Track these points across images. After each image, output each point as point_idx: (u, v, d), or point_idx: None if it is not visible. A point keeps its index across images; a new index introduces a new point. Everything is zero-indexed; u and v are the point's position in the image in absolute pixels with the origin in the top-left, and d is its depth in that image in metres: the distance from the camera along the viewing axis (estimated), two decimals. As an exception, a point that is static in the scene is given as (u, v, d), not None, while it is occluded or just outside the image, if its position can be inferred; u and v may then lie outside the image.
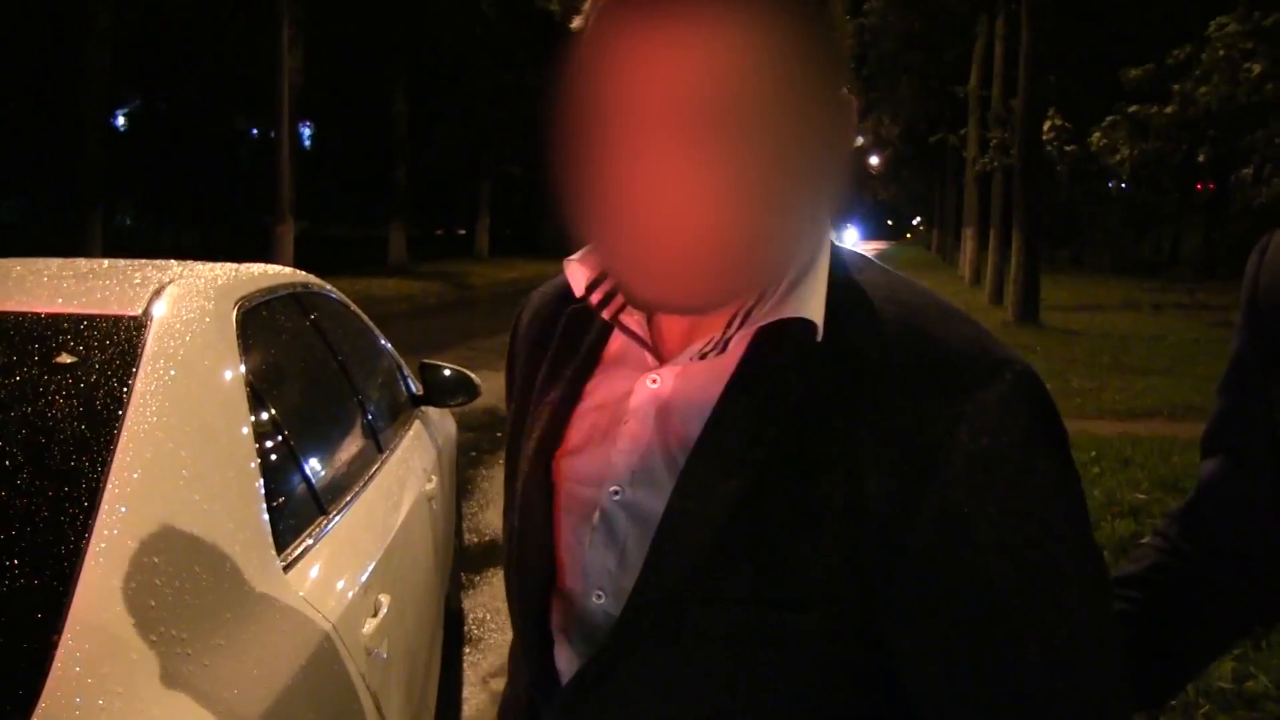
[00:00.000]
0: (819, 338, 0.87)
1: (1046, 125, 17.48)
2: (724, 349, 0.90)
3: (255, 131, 33.98)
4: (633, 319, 0.96)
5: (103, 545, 1.43)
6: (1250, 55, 15.60)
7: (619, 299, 0.96)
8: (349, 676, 1.82)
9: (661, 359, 0.95)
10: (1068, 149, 18.43)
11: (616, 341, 1.01)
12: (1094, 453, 7.40)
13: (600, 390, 0.99)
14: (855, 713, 0.88)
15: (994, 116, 21.97)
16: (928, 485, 0.81)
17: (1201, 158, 17.91)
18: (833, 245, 0.93)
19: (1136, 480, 6.65)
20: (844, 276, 0.91)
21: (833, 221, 0.92)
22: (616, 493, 0.94)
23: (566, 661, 0.97)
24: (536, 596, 0.99)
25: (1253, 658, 3.99)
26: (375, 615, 2.05)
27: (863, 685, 0.87)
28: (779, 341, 0.88)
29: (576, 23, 0.85)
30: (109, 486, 1.52)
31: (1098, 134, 18.08)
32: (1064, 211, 30.14)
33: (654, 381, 0.93)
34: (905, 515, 0.81)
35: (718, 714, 0.87)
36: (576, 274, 0.97)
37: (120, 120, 31.33)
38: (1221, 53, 15.77)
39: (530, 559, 1.00)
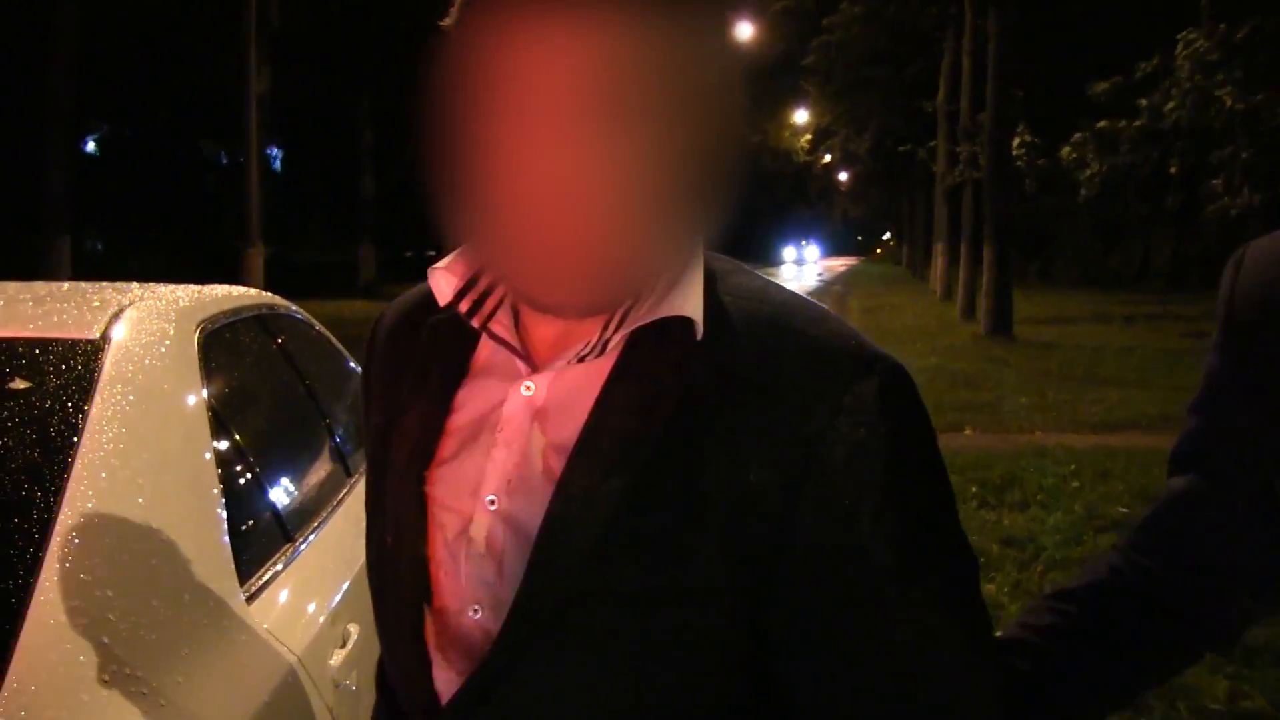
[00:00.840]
0: (699, 336, 0.87)
1: (1016, 141, 17.62)
2: (602, 351, 0.89)
3: (223, 155, 33.84)
4: (502, 326, 0.94)
5: (54, 579, 1.36)
6: (1217, 69, 15.74)
7: (488, 306, 0.95)
8: (316, 711, 1.75)
9: (533, 366, 0.93)
10: (1039, 162, 18.59)
11: (485, 350, 0.98)
12: (1072, 466, 7.39)
13: (471, 401, 0.97)
14: (750, 707, 0.89)
15: (962, 131, 22.11)
16: (810, 476, 0.83)
17: (1173, 169, 18.05)
18: (704, 250, 0.93)
19: (1116, 493, 6.64)
20: (716, 279, 0.92)
21: (714, 227, 0.91)
22: (492, 503, 0.91)
23: (445, 681, 0.94)
24: (410, 615, 0.96)
25: (1247, 675, 3.90)
26: (344, 646, 1.99)
27: (755, 679, 0.88)
28: (658, 342, 0.88)
29: (448, 20, 0.84)
30: (61, 516, 1.45)
31: (1067, 149, 18.24)
32: (1033, 224, 30.36)
33: (528, 389, 0.92)
34: (789, 507, 0.83)
35: (611, 716, 0.87)
36: (442, 282, 0.95)
37: (90, 146, 31.12)
38: (1196, 78, 15.90)
39: (404, 576, 0.97)
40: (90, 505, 1.49)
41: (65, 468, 1.54)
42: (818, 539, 0.83)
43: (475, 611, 0.92)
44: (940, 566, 0.86)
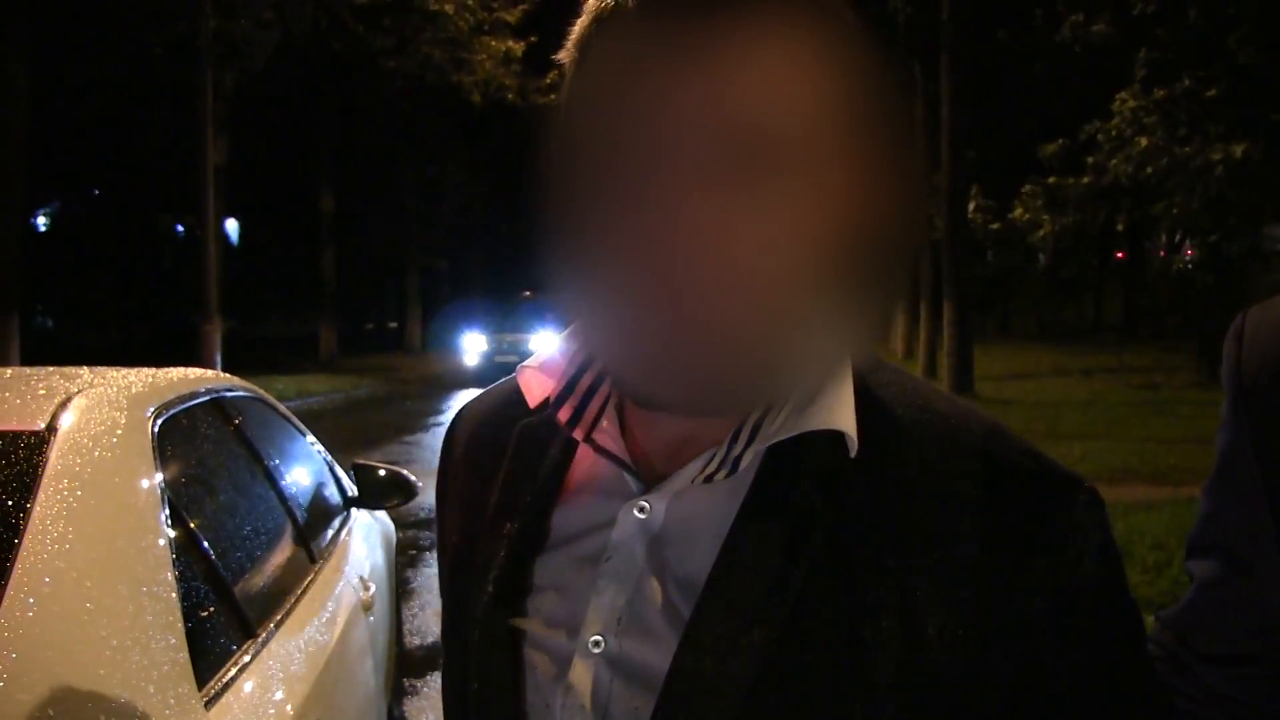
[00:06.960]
0: (853, 453, 0.72)
1: (971, 205, 17.90)
2: (734, 470, 0.73)
3: (180, 229, 33.62)
4: (608, 436, 0.79)
5: (-9, 699, 1.25)
6: (1144, 130, 16.05)
7: (590, 412, 0.80)
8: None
9: (645, 481, 0.78)
10: (993, 226, 18.83)
11: (585, 461, 0.83)
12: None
13: (570, 521, 0.82)
14: None
15: (917, 192, 22.42)
16: (1004, 628, 0.68)
17: (1120, 226, 18.36)
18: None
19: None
20: (863, 381, 0.76)
21: (880, 319, 0.78)
22: (597, 645, 0.76)
23: None
24: None
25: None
26: (310, 749, 1.87)
27: None
28: (800, 459, 0.73)
29: (563, 54, 0.72)
30: None
31: (1020, 209, 18.49)
32: (989, 282, 30.71)
33: (642, 511, 0.77)
34: (979, 667, 0.68)
35: None
36: (534, 383, 0.81)
37: (40, 221, 30.82)
38: (1128, 132, 16.25)
39: None
40: (32, 614, 1.39)
41: (4, 572, 1.44)
42: (1015, 706, 0.69)
43: None
44: None
